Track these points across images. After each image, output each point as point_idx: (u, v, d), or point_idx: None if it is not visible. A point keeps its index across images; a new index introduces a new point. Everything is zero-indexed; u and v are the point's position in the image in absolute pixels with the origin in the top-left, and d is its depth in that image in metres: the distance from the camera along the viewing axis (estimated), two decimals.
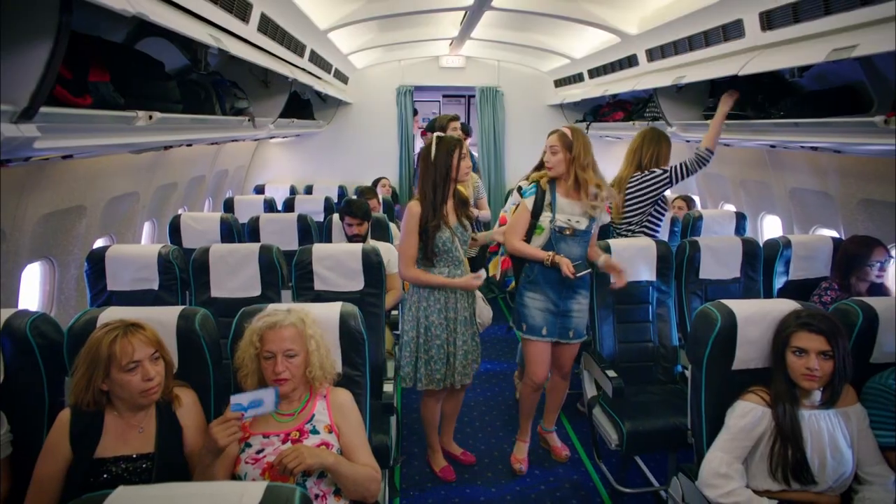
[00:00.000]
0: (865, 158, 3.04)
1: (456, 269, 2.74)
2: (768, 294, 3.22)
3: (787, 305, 2.01)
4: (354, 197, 4.36)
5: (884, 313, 2.01)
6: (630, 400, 2.80)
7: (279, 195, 5.42)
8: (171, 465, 1.73)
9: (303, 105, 4.71)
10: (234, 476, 1.75)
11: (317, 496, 1.74)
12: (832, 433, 1.85)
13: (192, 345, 1.92)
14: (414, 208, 2.66)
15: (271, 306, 1.94)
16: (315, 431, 1.81)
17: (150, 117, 1.87)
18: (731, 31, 2.66)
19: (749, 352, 2.00)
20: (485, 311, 2.91)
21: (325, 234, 3.89)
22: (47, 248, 2.75)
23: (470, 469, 3.09)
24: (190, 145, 3.12)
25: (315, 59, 3.76)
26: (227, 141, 3.45)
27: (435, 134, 2.69)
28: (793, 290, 3.16)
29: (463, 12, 3.73)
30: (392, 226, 4.12)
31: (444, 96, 7.27)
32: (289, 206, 4.79)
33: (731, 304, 2.04)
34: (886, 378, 1.93)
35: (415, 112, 6.07)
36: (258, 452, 1.75)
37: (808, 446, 1.83)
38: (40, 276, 2.86)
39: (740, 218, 4.13)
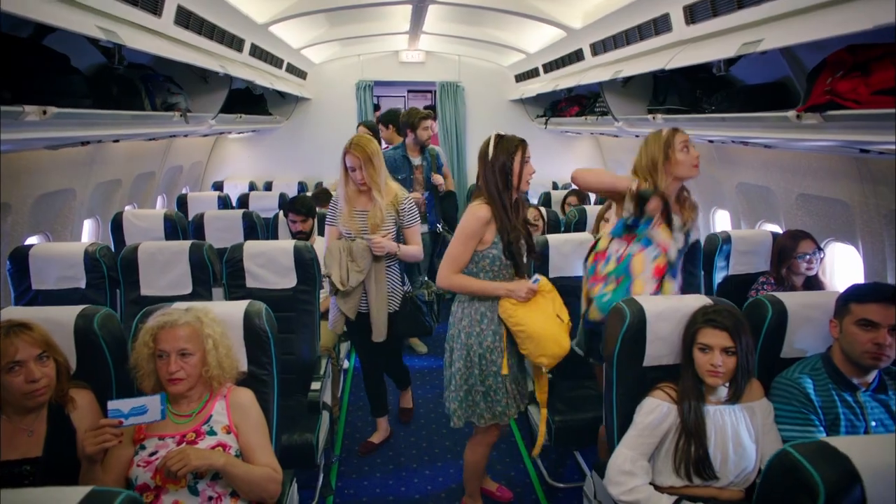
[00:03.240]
0: (801, 153, 3.05)
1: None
2: (709, 289, 3.23)
3: (698, 301, 2.00)
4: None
5: (793, 308, 2.02)
6: (565, 395, 2.80)
7: (238, 192, 5.35)
8: (61, 468, 1.69)
9: (255, 100, 4.65)
10: (127, 479, 1.71)
11: (211, 498, 1.70)
12: (736, 428, 1.85)
13: (92, 345, 1.88)
14: (480, 211, 2.26)
15: (174, 305, 1.90)
16: (212, 432, 1.77)
17: (44, 112, 1.81)
18: (661, 25, 2.65)
19: (660, 348, 1.99)
20: None
21: (271, 232, 3.85)
22: None
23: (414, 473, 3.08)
24: (117, 141, 3.05)
25: (259, 53, 3.70)
26: (159, 137, 3.38)
27: (494, 133, 2.33)
28: (734, 284, 3.17)
29: (409, 6, 3.69)
30: None
31: (410, 91, 7.23)
32: (243, 202, 4.74)
33: (642, 300, 2.03)
34: (793, 372, 1.94)
35: (376, 107, 6.04)
36: (151, 455, 1.71)
37: (711, 442, 1.83)
38: None
39: None
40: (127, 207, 4.13)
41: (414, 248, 2.90)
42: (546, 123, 5.30)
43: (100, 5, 1.84)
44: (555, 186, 5.77)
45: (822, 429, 1.84)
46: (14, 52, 1.89)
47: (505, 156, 2.25)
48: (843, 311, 1.86)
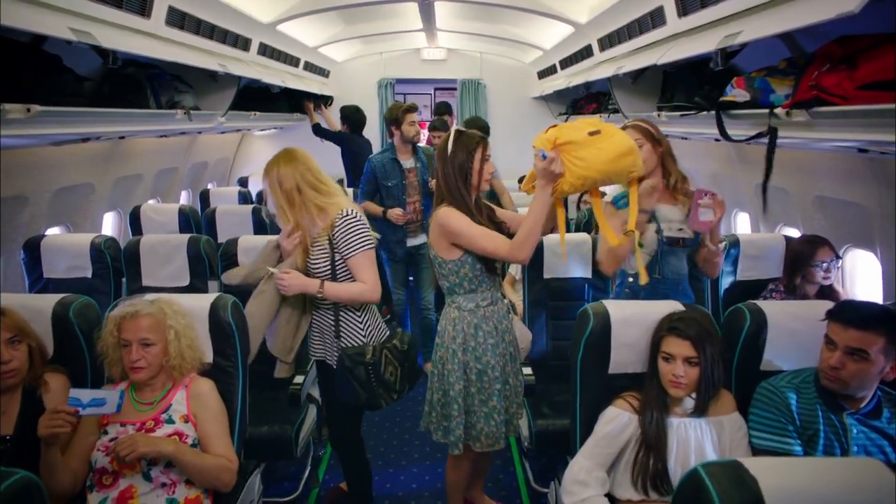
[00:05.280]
0: (816, 153, 2.86)
1: (497, 291, 2.27)
2: (714, 295, 3.09)
3: (669, 307, 1.91)
4: None
5: (775, 318, 1.90)
6: (553, 399, 2.75)
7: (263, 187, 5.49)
8: (32, 447, 1.77)
9: (273, 98, 4.77)
10: (90, 463, 1.79)
11: (164, 485, 1.76)
12: (700, 442, 1.76)
13: (68, 332, 1.98)
14: (453, 212, 2.12)
15: (145, 296, 1.98)
16: (170, 421, 1.83)
17: (28, 110, 1.91)
18: (657, 18, 2.55)
19: (627, 355, 1.92)
20: (526, 335, 2.51)
21: (278, 227, 3.93)
22: None
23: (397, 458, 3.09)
24: (122, 137, 3.19)
25: (270, 52, 3.79)
26: (169, 134, 3.51)
27: (454, 128, 2.20)
28: (742, 290, 3.01)
29: (415, 3, 3.69)
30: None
31: (437, 89, 7.23)
32: (261, 198, 4.85)
33: (609, 304, 1.96)
34: (779, 381, 1.81)
35: None
36: (111, 440, 1.78)
37: (672, 455, 1.75)
38: None
39: None
40: (150, 201, 4.32)
41: (352, 288, 2.18)
42: (566, 121, 5.19)
43: (78, 7, 1.92)
44: None
45: (798, 442, 1.72)
46: (5, 54, 2.00)
47: (464, 154, 2.13)
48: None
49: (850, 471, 1.06)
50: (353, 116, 5.02)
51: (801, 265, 2.71)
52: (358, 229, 2.16)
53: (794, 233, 3.26)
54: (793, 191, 3.16)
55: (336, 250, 2.17)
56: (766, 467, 1.05)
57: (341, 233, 2.15)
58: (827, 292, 2.75)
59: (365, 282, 2.17)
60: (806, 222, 3.12)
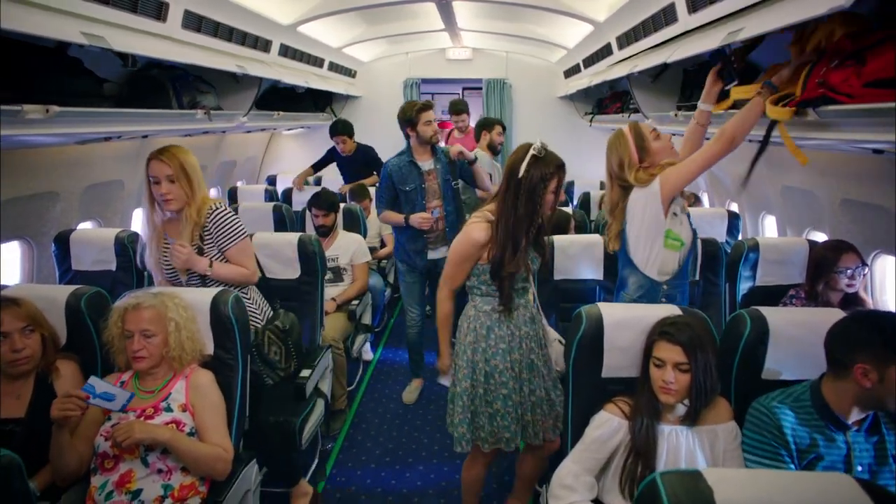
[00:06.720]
0: (843, 154, 2.72)
1: (519, 298, 2.21)
2: (732, 300, 2.99)
3: (666, 311, 1.86)
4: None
5: (777, 325, 1.83)
6: None
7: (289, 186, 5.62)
8: (41, 430, 1.87)
9: (298, 98, 4.87)
10: (94, 446, 1.88)
11: (160, 471, 1.83)
12: (691, 451, 1.71)
13: (79, 322, 2.08)
14: (476, 234, 2.08)
15: (151, 289, 2.06)
16: (169, 409, 1.90)
17: (47, 111, 2.02)
18: (669, 15, 2.48)
19: (620, 359, 1.88)
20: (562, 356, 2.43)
21: (299, 224, 4.03)
22: (20, 230, 3.03)
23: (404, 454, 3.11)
24: (146, 137, 3.32)
25: (292, 53, 3.86)
26: (192, 133, 3.63)
27: (532, 151, 2.01)
28: (760, 296, 2.91)
29: (433, 3, 3.70)
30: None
31: (465, 88, 7.22)
32: (286, 196, 4.98)
33: (604, 307, 1.92)
34: (771, 400, 1.74)
35: None
36: (113, 426, 1.86)
37: (661, 463, 1.71)
38: (20, 255, 3.16)
39: (733, 217, 3.81)
40: None
41: (235, 269, 2.28)
42: (591, 121, 5.12)
43: (93, 13, 2.01)
44: (602, 186, 5.55)
45: (791, 465, 1.65)
46: (29, 57, 2.12)
47: (539, 180, 2.00)
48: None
49: (816, 485, 1.02)
50: (348, 126, 4.86)
51: (825, 271, 2.59)
52: (233, 219, 2.28)
53: (822, 237, 3.12)
54: (820, 193, 3.02)
55: (213, 245, 2.27)
56: (725, 479, 1.02)
57: (216, 227, 2.25)
58: (852, 300, 2.63)
59: (248, 268, 2.34)
60: (833, 226, 2.98)
